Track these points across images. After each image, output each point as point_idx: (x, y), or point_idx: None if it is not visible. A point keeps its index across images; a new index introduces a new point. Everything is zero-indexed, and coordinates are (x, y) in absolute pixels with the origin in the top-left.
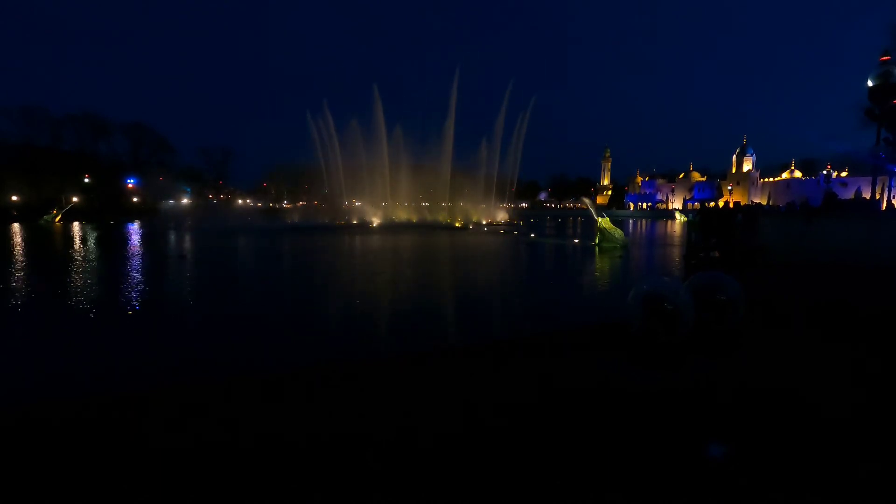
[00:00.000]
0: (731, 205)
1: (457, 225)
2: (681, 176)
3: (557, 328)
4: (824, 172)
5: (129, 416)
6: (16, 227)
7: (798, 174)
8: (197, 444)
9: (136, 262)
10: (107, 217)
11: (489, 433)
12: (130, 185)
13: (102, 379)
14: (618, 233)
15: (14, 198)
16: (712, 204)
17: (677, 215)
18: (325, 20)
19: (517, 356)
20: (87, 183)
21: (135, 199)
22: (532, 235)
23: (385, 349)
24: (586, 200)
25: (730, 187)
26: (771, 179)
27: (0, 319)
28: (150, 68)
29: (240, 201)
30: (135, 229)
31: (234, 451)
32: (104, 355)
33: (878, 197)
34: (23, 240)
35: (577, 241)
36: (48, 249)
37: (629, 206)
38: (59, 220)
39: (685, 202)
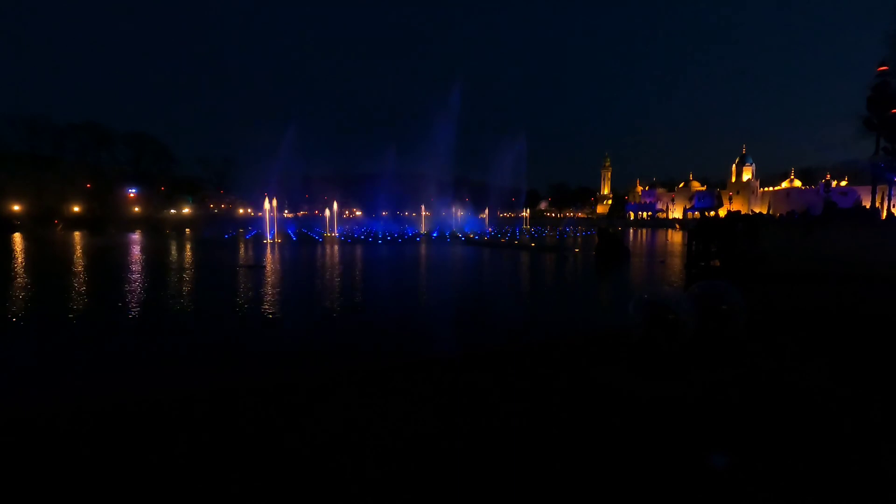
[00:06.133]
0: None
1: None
2: (681, 185)
3: (559, 336)
4: (824, 181)
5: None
6: (17, 237)
7: (797, 183)
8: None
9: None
10: (109, 227)
11: (488, 439)
12: (132, 195)
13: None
14: None
15: (16, 207)
16: (712, 213)
17: (677, 227)
18: (329, 29)
19: (520, 364)
20: (88, 192)
21: (136, 209)
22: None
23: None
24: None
25: (730, 196)
26: (771, 188)
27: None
28: (152, 78)
29: (241, 210)
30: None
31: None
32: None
33: (877, 206)
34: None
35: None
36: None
37: (629, 215)
38: (61, 230)
39: (685, 211)
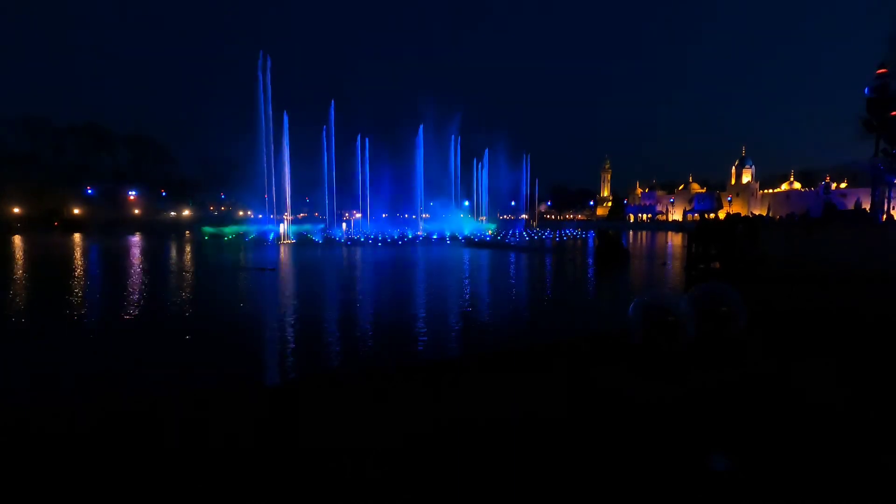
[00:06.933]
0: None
1: None
2: (680, 187)
3: (558, 338)
4: (823, 183)
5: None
6: (17, 239)
7: (797, 185)
8: None
9: None
10: (109, 229)
11: (488, 439)
12: (131, 197)
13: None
14: None
15: (16, 209)
16: (712, 215)
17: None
18: (330, 31)
19: (520, 365)
20: (88, 195)
21: (136, 211)
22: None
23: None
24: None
25: (730, 198)
26: (770, 190)
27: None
28: (152, 80)
29: (240, 212)
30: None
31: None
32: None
33: (878, 208)
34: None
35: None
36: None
37: (629, 217)
38: (59, 232)
39: (685, 213)
